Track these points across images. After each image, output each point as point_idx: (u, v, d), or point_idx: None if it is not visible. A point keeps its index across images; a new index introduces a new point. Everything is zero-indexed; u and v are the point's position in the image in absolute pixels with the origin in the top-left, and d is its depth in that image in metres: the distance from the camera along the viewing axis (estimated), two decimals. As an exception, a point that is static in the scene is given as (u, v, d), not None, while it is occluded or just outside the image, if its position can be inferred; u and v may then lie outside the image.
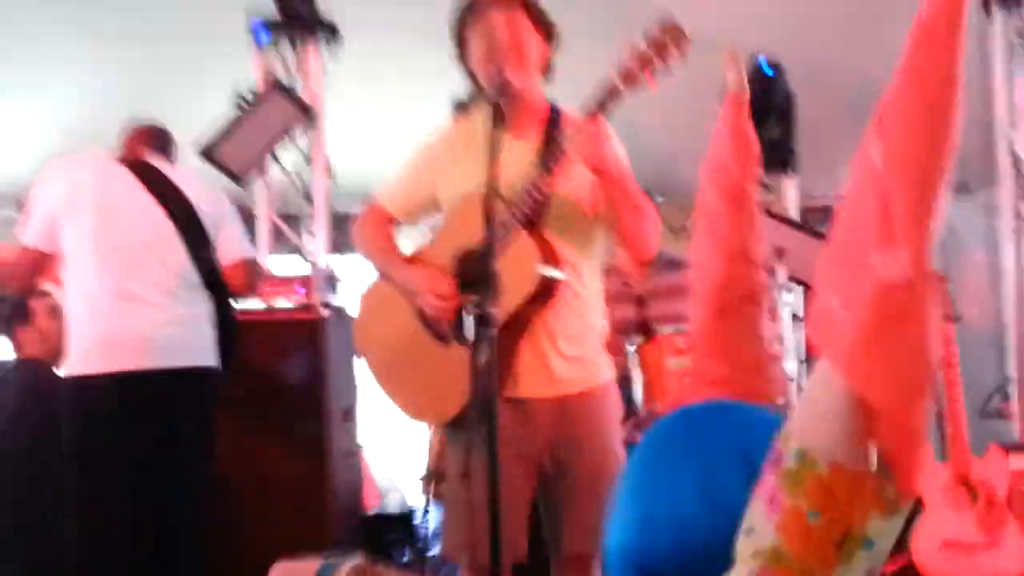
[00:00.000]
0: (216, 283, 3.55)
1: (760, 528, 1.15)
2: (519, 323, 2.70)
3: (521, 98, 2.76)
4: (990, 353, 5.02)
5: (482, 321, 2.35)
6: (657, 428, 1.42)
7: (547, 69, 2.84)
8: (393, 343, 2.89)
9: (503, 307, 2.59)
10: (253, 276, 3.78)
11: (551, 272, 2.69)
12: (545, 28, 2.80)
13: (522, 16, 2.75)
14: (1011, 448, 4.10)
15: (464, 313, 2.43)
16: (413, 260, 2.89)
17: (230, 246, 3.63)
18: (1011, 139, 4.85)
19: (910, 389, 1.07)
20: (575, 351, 2.78)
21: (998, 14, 4.78)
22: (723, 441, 1.21)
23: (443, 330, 2.77)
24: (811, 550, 1.10)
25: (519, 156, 2.72)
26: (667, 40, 2.50)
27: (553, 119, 2.82)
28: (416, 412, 2.91)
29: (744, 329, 1.95)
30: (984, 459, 4.01)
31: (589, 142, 2.59)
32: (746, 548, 1.16)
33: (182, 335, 3.40)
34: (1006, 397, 4.78)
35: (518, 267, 2.64)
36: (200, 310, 3.49)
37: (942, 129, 1.11)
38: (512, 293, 2.62)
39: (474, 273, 2.56)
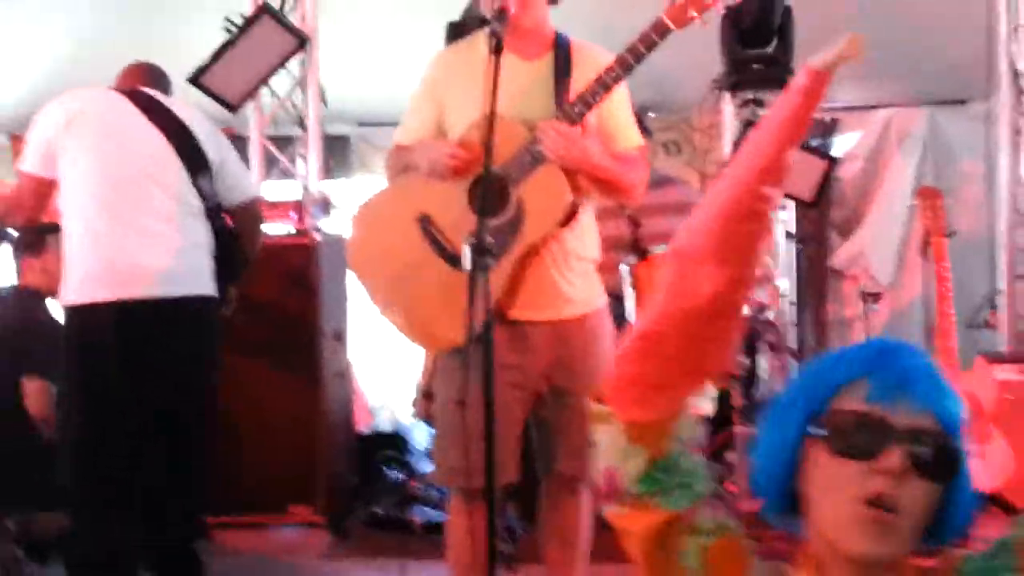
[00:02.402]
0: (216, 211, 3.48)
1: None
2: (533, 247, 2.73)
3: (524, 27, 2.74)
4: (982, 264, 5.01)
5: (491, 248, 2.34)
6: None
7: None
8: (398, 268, 2.86)
9: (534, 232, 2.67)
10: (261, 213, 3.81)
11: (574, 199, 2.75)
12: None
13: None
14: (997, 359, 4.14)
15: (477, 239, 2.36)
16: None
17: (241, 183, 3.61)
18: (1011, 51, 4.81)
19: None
20: (577, 276, 2.82)
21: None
22: None
23: (455, 250, 2.71)
24: None
25: (528, 78, 2.75)
26: None
27: (560, 44, 2.83)
28: (424, 340, 2.92)
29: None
30: (971, 371, 4.04)
31: (564, 145, 2.65)
32: None
33: (182, 264, 3.34)
34: (995, 308, 4.81)
35: (546, 194, 2.69)
36: (200, 238, 3.42)
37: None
38: (541, 219, 2.68)
39: (492, 198, 2.55)
